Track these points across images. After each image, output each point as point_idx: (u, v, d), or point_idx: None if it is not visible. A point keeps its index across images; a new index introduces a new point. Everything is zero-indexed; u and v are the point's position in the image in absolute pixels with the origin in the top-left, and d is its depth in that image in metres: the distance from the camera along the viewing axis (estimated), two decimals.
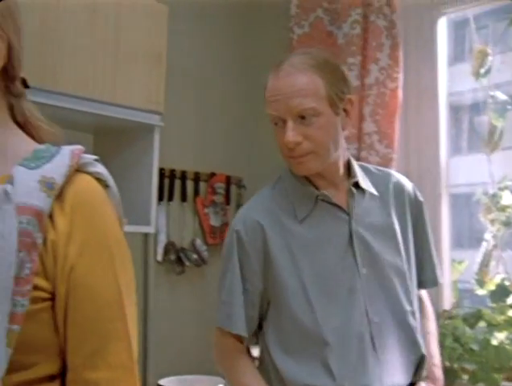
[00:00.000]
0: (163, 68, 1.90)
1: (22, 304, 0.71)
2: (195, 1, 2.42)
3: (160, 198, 2.29)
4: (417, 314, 1.36)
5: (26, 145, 0.82)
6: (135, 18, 1.82)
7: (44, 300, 0.74)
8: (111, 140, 2.03)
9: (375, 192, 1.37)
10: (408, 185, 1.43)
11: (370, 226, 1.33)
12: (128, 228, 1.97)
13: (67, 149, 0.80)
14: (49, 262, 0.74)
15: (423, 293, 1.48)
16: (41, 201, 0.73)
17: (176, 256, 2.35)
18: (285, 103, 1.23)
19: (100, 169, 0.82)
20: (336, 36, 2.30)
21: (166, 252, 2.33)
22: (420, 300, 1.44)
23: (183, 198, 2.40)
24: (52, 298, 0.75)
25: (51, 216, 0.75)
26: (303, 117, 1.24)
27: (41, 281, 0.73)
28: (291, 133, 1.23)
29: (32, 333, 0.73)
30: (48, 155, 0.79)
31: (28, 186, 0.74)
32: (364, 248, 1.31)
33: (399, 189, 1.40)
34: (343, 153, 1.34)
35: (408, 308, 1.33)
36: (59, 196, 0.76)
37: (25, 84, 0.88)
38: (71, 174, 0.78)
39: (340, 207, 1.32)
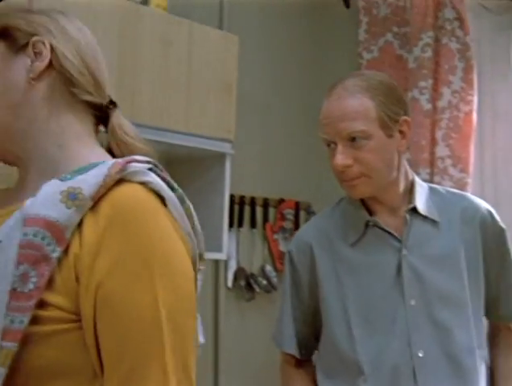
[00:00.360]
0: (233, 97, 1.94)
1: (21, 320, 0.65)
2: (263, 29, 2.46)
3: (230, 224, 2.31)
4: (480, 351, 1.26)
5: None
6: (207, 49, 1.87)
7: (66, 321, 0.68)
8: (183, 168, 2.07)
9: (437, 218, 1.30)
10: (483, 210, 1.35)
11: (426, 254, 1.27)
12: None
13: (112, 160, 0.75)
14: (69, 278, 0.68)
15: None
16: (57, 212, 0.68)
17: (246, 282, 2.36)
18: (335, 126, 1.24)
19: (151, 178, 0.74)
20: (406, 60, 2.27)
21: (236, 278, 2.34)
22: (505, 334, 1.36)
23: (253, 224, 2.41)
24: (79, 319, 0.68)
25: (80, 230, 0.69)
26: (353, 140, 1.23)
27: (57, 299, 0.68)
28: (340, 156, 1.23)
29: (52, 357, 0.67)
30: (90, 167, 0.73)
31: (46, 198, 0.69)
32: (414, 278, 1.25)
33: (470, 214, 1.33)
34: (403, 176, 1.30)
35: (465, 343, 1.24)
36: (94, 208, 0.70)
37: (112, 103, 0.87)
38: (109, 184, 0.71)
39: (392, 234, 1.28)
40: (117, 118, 0.85)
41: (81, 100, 0.83)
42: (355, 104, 1.23)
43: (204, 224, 1.96)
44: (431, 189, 1.36)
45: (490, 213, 1.35)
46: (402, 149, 1.28)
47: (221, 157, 1.95)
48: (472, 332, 1.26)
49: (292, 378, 1.38)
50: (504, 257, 1.35)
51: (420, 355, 1.22)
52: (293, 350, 1.36)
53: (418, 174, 2.16)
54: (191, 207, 0.80)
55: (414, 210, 1.29)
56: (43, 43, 0.82)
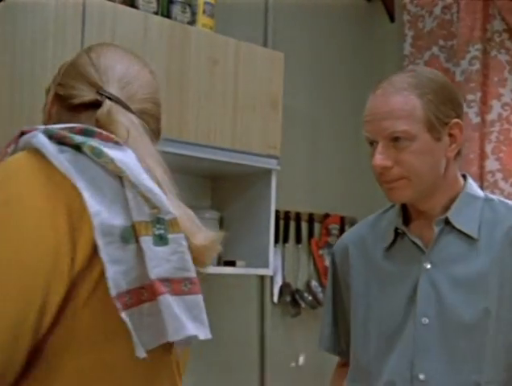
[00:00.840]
0: (279, 113, 1.95)
1: None
2: (308, 45, 2.47)
3: (276, 240, 2.32)
4: None
5: None
6: (253, 66, 1.89)
7: None
8: (229, 185, 2.09)
9: (475, 235, 1.16)
10: None
11: (453, 274, 1.15)
12: (247, 271, 2.01)
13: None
14: None
15: None
16: None
17: (292, 298, 2.35)
18: (377, 124, 1.15)
19: (34, 140, 0.76)
20: (453, 73, 2.24)
21: (281, 293, 2.33)
22: None
23: (298, 239, 2.40)
24: None
25: None
26: (396, 140, 1.13)
27: None
28: (379, 157, 1.14)
29: None
30: None
31: None
32: (433, 295, 1.14)
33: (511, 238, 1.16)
34: (450, 185, 1.19)
35: (473, 376, 1.11)
36: None
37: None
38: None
39: (417, 245, 1.18)
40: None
41: None
42: (400, 101, 1.13)
43: (250, 240, 1.99)
44: (487, 201, 1.21)
45: None
46: (450, 155, 1.17)
47: (267, 173, 1.96)
48: (485, 366, 1.12)
49: (333, 377, 1.37)
50: None
51: (421, 377, 1.12)
52: (329, 349, 1.34)
53: None
54: (114, 161, 0.76)
55: (448, 222, 1.17)
56: None
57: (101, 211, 0.74)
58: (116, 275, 0.73)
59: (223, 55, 1.82)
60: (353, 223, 2.56)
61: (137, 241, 0.75)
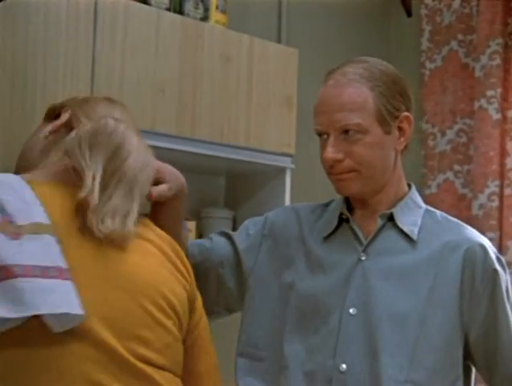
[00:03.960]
0: (293, 111, 1.92)
1: None
2: (322, 41, 2.43)
3: None
4: None
5: None
6: (267, 63, 1.86)
7: None
8: (243, 183, 2.06)
9: (414, 236, 1.14)
10: (474, 243, 1.14)
11: (387, 266, 1.13)
12: None
13: None
14: None
15: None
16: None
17: None
18: (329, 116, 1.13)
19: None
20: (472, 69, 2.19)
21: None
22: None
23: None
24: None
25: None
26: (347, 132, 1.12)
27: None
28: (331, 150, 1.13)
29: None
30: None
31: None
32: (363, 286, 1.12)
33: (456, 243, 1.14)
34: (397, 181, 1.17)
35: (392, 374, 1.07)
36: None
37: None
38: None
39: (356, 236, 1.16)
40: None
41: None
42: (352, 93, 1.11)
43: None
44: (428, 212, 1.20)
45: (483, 249, 1.14)
46: (399, 149, 1.16)
47: (281, 171, 1.93)
48: (405, 363, 1.08)
49: None
50: (493, 303, 1.12)
51: (342, 368, 1.09)
52: None
53: (486, 186, 2.07)
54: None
55: (392, 219, 1.16)
56: None
57: None
58: None
59: (236, 51, 1.79)
60: None
61: None
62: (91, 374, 0.82)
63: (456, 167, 2.23)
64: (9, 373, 0.79)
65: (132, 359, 0.85)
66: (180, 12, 1.74)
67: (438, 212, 1.22)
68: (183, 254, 1.00)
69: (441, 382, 1.11)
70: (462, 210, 2.20)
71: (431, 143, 2.30)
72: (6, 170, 0.98)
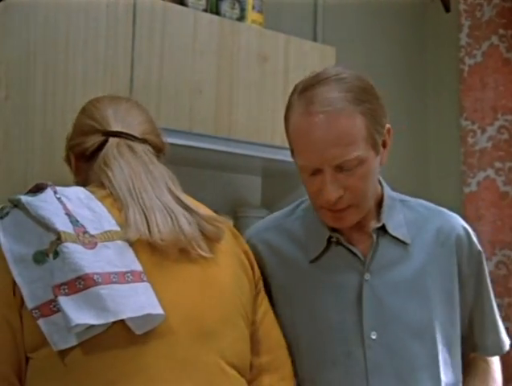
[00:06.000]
0: None
1: None
2: (359, 38, 2.41)
3: None
4: None
5: None
6: (303, 62, 1.85)
7: None
8: (279, 182, 2.06)
9: (408, 240, 1.11)
10: (459, 229, 1.15)
11: (392, 281, 1.09)
12: None
13: None
14: None
15: (489, 359, 1.19)
16: None
17: None
18: (322, 153, 1.00)
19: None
20: None
21: None
22: (479, 365, 1.18)
23: None
24: None
25: None
26: (343, 165, 1.01)
27: None
28: (331, 188, 1.00)
29: None
30: None
31: None
32: (377, 307, 1.06)
33: (446, 234, 1.14)
34: (376, 188, 1.12)
35: (428, 383, 1.06)
36: None
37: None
38: None
39: (355, 254, 1.09)
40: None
41: None
42: (346, 125, 0.99)
43: None
44: (403, 203, 1.16)
45: (467, 233, 1.16)
46: (383, 162, 1.09)
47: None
48: (439, 371, 1.07)
49: None
50: (479, 283, 1.16)
51: None
52: None
53: None
54: (21, 201, 0.89)
55: (383, 228, 1.11)
56: None
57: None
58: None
59: (273, 51, 1.79)
60: None
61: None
62: (164, 372, 0.85)
63: (497, 164, 2.18)
64: (92, 377, 0.82)
65: (205, 358, 0.88)
66: (217, 13, 1.75)
67: (411, 200, 1.19)
68: (247, 247, 1.07)
69: (453, 371, 1.12)
70: (504, 208, 2.15)
71: (470, 140, 2.25)
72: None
